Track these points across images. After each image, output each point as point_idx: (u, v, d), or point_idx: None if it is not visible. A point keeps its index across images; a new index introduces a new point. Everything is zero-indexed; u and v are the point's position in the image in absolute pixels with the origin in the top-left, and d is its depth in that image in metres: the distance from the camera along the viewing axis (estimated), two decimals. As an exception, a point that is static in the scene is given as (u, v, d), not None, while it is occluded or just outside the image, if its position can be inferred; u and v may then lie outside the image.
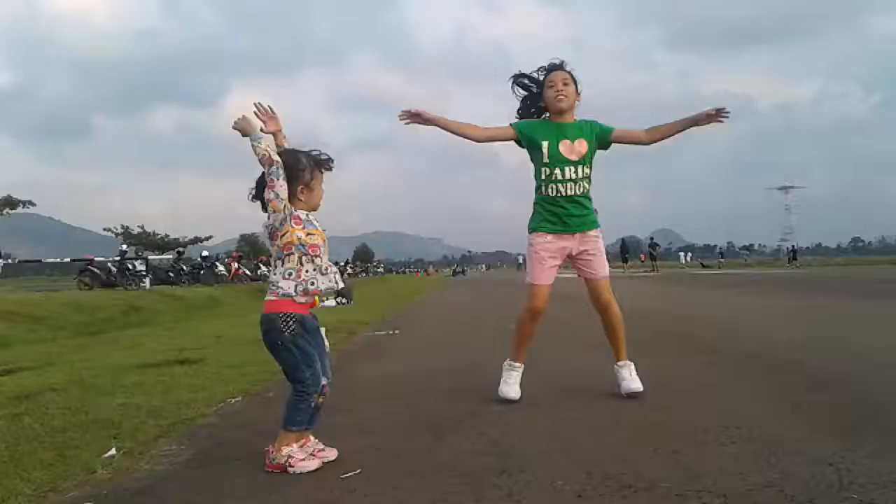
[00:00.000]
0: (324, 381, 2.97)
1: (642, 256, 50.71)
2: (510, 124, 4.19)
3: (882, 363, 5.00)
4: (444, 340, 7.96)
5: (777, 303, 12.72)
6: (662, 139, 4.12)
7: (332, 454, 3.00)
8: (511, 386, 4.16)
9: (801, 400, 3.83)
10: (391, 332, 8.90)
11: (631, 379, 4.17)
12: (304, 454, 2.92)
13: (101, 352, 7.91)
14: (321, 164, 3.03)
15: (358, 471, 2.84)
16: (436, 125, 4.02)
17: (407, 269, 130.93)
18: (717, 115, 3.90)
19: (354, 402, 4.23)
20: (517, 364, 4.24)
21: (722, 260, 63.03)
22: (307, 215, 2.98)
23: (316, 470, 2.87)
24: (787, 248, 68.74)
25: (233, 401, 4.40)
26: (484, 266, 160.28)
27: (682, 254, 74.69)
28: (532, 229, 4.18)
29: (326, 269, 2.95)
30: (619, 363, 4.26)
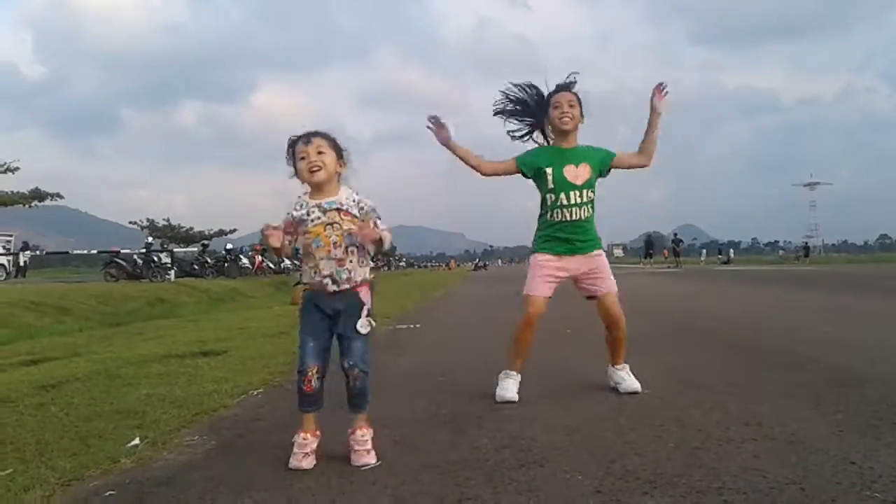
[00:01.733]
0: (346, 364, 2.96)
1: (665, 252, 50.36)
2: (514, 159, 4.19)
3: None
4: (464, 335, 7.97)
5: (798, 298, 12.58)
6: (653, 150, 4.20)
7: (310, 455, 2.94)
8: (507, 390, 4.06)
9: (823, 397, 3.79)
10: (412, 326, 8.92)
11: (631, 379, 4.18)
12: (297, 449, 2.91)
13: (126, 343, 8.01)
14: (291, 145, 3.02)
15: (378, 462, 2.86)
16: (450, 149, 4.08)
17: (429, 264, 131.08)
18: (660, 93, 4.15)
19: (375, 395, 4.21)
20: (512, 373, 4.17)
21: (728, 256, 62.39)
22: (306, 210, 2.96)
23: (307, 469, 2.85)
24: (801, 245, 68.25)
25: (255, 392, 4.45)
26: (501, 260, 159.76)
27: (703, 251, 74.17)
28: (536, 250, 4.18)
29: (318, 266, 2.94)
30: (618, 366, 4.26)
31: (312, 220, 2.94)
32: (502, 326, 8.68)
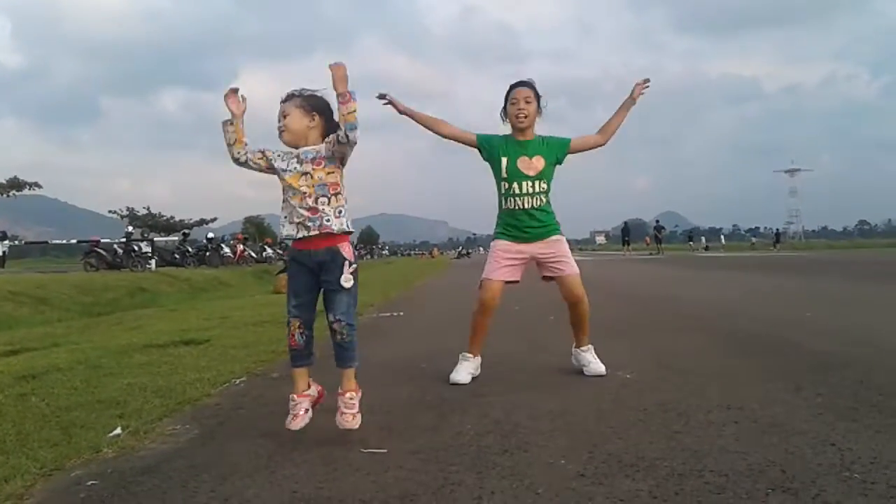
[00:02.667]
0: (331, 318, 3.05)
1: (647, 239, 50.67)
2: (476, 135, 4.29)
3: (883, 346, 5.00)
4: (447, 322, 7.96)
5: (778, 284, 12.70)
6: (615, 131, 4.34)
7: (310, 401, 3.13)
8: (460, 373, 4.23)
9: (804, 381, 3.83)
10: (396, 314, 8.92)
11: (596, 362, 4.27)
12: (290, 411, 3.05)
13: (106, 333, 7.96)
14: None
15: (384, 450, 2.85)
16: (410, 117, 4.20)
17: (412, 252, 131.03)
18: (642, 85, 4.31)
19: (361, 383, 4.22)
20: (469, 355, 4.34)
21: (706, 244, 63.00)
22: (285, 161, 3.09)
23: (297, 430, 3.01)
24: (773, 232, 69.13)
25: (238, 381, 4.43)
26: (484, 248, 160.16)
27: (703, 238, 74.84)
28: (495, 237, 4.34)
29: (292, 213, 3.06)
30: (583, 348, 4.35)
31: (289, 171, 3.07)
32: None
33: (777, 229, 69.00)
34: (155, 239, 27.17)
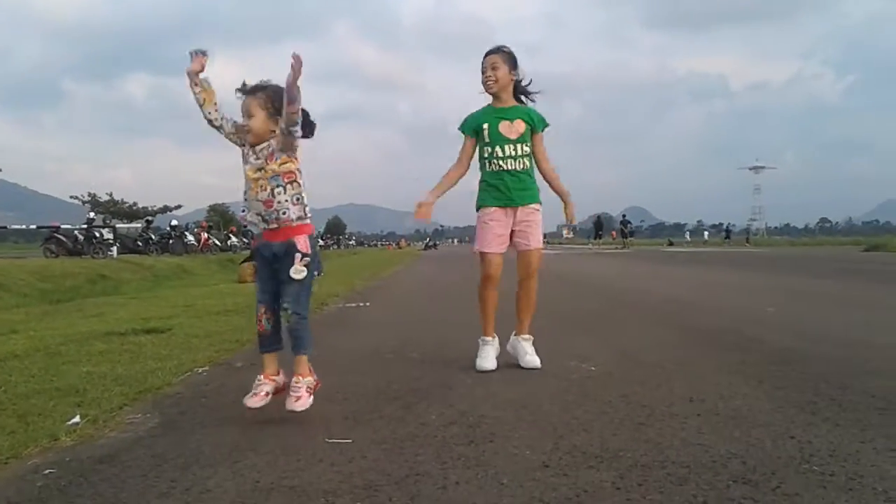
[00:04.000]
0: (281, 305, 3.14)
1: (613, 233, 51.10)
2: (460, 131, 4.36)
3: (842, 341, 5.09)
4: (413, 312, 7.96)
5: (741, 279, 12.89)
6: (547, 178, 4.42)
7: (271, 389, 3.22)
8: (485, 359, 4.26)
9: (764, 374, 3.89)
10: (362, 304, 8.88)
11: (533, 354, 4.29)
12: (253, 389, 3.18)
13: (66, 320, 7.79)
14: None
15: (349, 440, 2.83)
16: (438, 196, 4.31)
17: (379, 243, 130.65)
18: (569, 220, 4.56)
19: (324, 372, 4.20)
20: (488, 339, 4.35)
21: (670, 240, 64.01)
22: (251, 152, 3.16)
23: (253, 408, 3.12)
24: (724, 228, 70.38)
25: (200, 370, 4.37)
26: (456, 240, 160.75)
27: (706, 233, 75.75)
28: (479, 206, 4.34)
29: (250, 206, 3.17)
30: (524, 336, 4.37)
31: (249, 164, 3.15)
32: (453, 304, 8.72)
33: (727, 225, 70.18)
34: (117, 225, 26.72)
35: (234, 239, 34.43)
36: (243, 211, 3.24)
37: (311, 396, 3.17)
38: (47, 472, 2.52)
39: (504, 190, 4.22)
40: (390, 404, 3.42)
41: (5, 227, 36.58)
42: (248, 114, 3.12)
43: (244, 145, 3.19)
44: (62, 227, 23.27)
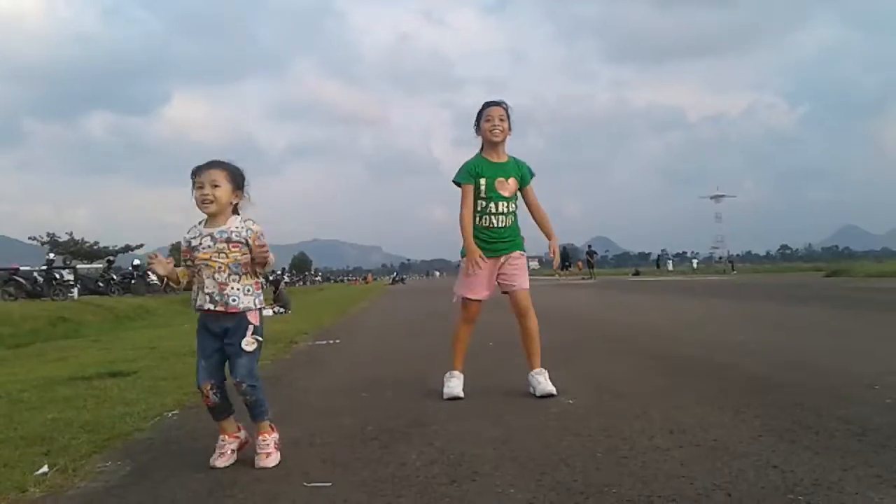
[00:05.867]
0: (235, 380, 3.07)
1: (580, 264, 51.45)
2: (460, 182, 4.46)
3: (815, 368, 5.14)
4: (385, 349, 7.89)
5: (708, 307, 13.02)
6: (539, 224, 4.63)
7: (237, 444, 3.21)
8: (453, 388, 4.43)
9: (742, 403, 3.90)
10: (332, 342, 8.79)
11: (546, 383, 4.39)
12: (217, 449, 3.15)
13: (27, 365, 7.59)
14: (193, 173, 3.16)
15: (329, 483, 2.77)
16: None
17: (345, 278, 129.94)
18: (551, 253, 4.64)
19: (299, 414, 4.15)
20: (457, 372, 4.54)
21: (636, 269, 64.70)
22: (199, 239, 3.13)
23: (221, 467, 3.07)
24: (667, 256, 71.39)
25: (170, 414, 4.27)
26: (423, 274, 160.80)
27: (670, 261, 76.53)
28: (465, 253, 4.46)
29: (203, 284, 3.11)
30: (535, 371, 4.47)
31: (203, 248, 3.11)
32: (424, 339, 8.66)
33: (659, 254, 71.71)
34: (78, 266, 26.26)
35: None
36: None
37: (279, 452, 3.14)
38: (15, 527, 2.42)
39: (493, 244, 4.45)
40: (368, 445, 3.36)
41: (-39, 270, 35.67)
42: (212, 183, 3.09)
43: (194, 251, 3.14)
44: (21, 268, 22.78)
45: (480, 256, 4.35)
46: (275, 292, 18.60)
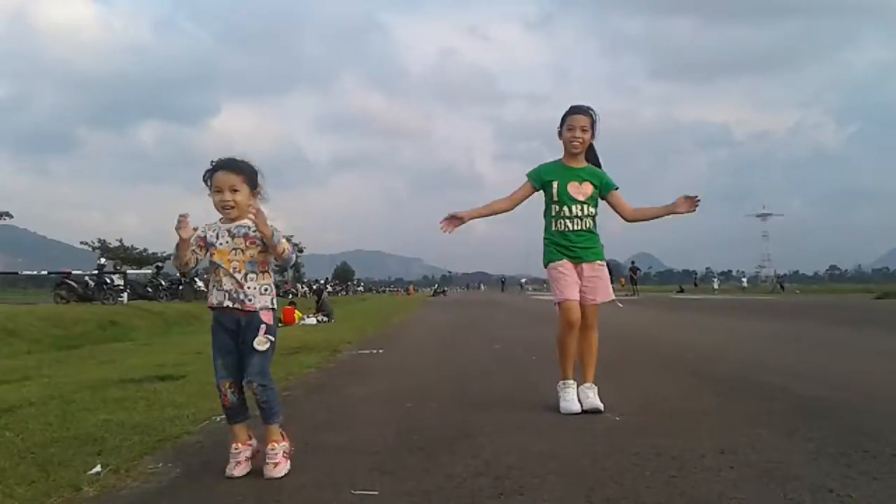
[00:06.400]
0: (246, 379, 3.08)
1: (623, 280, 50.97)
2: (527, 177, 4.48)
3: (867, 391, 5.00)
4: (428, 360, 7.89)
5: (754, 327, 12.77)
6: (644, 220, 4.56)
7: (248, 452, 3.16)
8: (570, 402, 4.30)
9: (794, 425, 3.81)
10: (375, 351, 8.82)
11: (595, 398, 4.31)
12: (231, 459, 3.09)
13: (79, 367, 7.76)
14: (211, 171, 3.17)
15: (376, 492, 2.77)
16: (472, 218, 4.44)
17: (387, 289, 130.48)
18: (693, 201, 4.31)
19: (346, 422, 4.17)
20: (570, 381, 4.41)
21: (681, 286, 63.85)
22: (216, 234, 3.16)
23: (239, 476, 3.03)
24: (778, 278, 70.16)
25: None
26: (465, 286, 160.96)
27: (715, 279, 75.30)
28: (548, 261, 4.46)
29: (220, 282, 3.13)
30: (586, 385, 4.39)
31: (221, 244, 3.15)
32: (466, 352, 8.66)
33: (695, 273, 70.26)
34: (127, 272, 26.78)
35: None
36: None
37: (289, 461, 3.12)
38: (70, 524, 2.47)
39: (571, 248, 4.37)
40: (414, 455, 3.36)
41: (16, 273, 36.74)
42: (231, 188, 3.10)
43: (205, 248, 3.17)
44: (73, 273, 23.33)
45: (453, 216, 4.33)
46: (318, 301, 18.77)
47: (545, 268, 4.49)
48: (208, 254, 3.16)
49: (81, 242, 48.43)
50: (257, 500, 2.71)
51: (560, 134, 4.43)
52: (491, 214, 4.51)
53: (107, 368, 7.25)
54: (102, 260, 28.33)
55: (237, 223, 3.15)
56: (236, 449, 3.10)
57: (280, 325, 15.09)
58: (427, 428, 3.95)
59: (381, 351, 8.88)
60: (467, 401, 4.75)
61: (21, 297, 32.23)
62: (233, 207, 3.12)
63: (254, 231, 3.12)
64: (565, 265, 4.37)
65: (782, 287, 59.56)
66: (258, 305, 3.12)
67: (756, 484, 2.76)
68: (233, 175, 3.12)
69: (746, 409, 4.35)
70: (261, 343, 3.09)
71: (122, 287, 22.87)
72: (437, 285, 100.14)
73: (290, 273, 64.03)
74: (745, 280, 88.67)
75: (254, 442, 3.21)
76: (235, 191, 3.11)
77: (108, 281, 22.93)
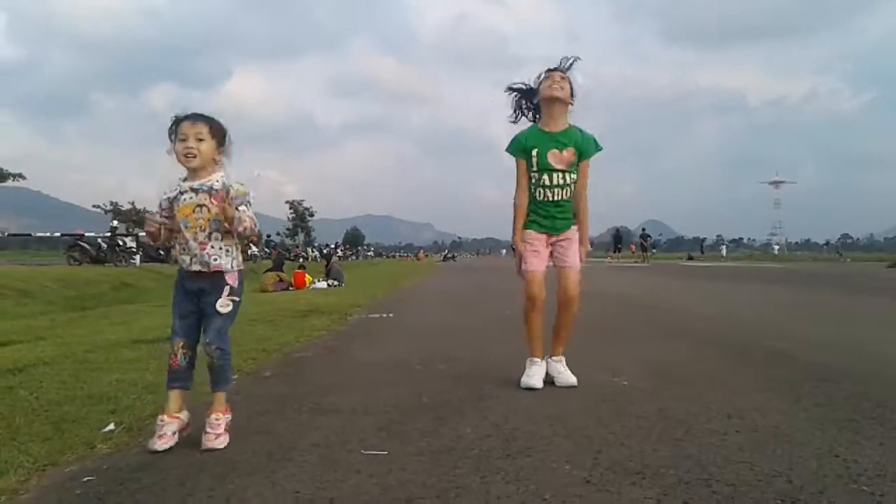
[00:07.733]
0: (205, 340, 3.03)
1: (632, 247, 50.82)
2: (512, 154, 4.24)
3: (879, 358, 5.01)
4: (438, 324, 7.93)
5: (766, 294, 12.76)
6: (578, 213, 4.27)
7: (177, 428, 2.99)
8: (532, 377, 4.09)
9: (802, 391, 3.83)
10: (385, 315, 8.87)
11: (567, 373, 4.17)
12: (156, 430, 2.93)
13: (92, 327, 7.85)
14: (175, 123, 3.05)
15: (386, 452, 2.81)
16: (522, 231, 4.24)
17: (397, 254, 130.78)
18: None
19: (356, 384, 4.21)
20: (536, 359, 4.19)
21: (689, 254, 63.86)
22: (178, 193, 3.04)
23: (161, 451, 2.85)
24: (722, 242, 69.82)
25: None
26: (474, 252, 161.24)
27: (724, 247, 75.05)
28: (524, 227, 4.23)
29: (186, 244, 3.03)
30: (555, 357, 4.23)
31: (183, 200, 3.03)
32: (475, 315, 8.70)
33: (703, 240, 70.12)
34: (140, 234, 26.93)
35: (254, 248, 34.56)
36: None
37: (228, 436, 3.00)
38: (86, 479, 2.52)
39: (550, 220, 4.17)
40: (423, 416, 3.39)
41: (29, 235, 36.98)
42: (196, 137, 2.98)
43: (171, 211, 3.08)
44: (86, 235, 23.48)
45: (526, 248, 4.17)
46: (327, 266, 18.83)
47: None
48: (175, 210, 3.05)
49: (94, 205, 48.75)
50: (269, 458, 2.75)
51: (538, 92, 4.19)
52: (525, 213, 4.25)
53: (120, 329, 7.32)
54: (115, 222, 28.48)
55: (200, 181, 3.02)
56: (162, 421, 2.94)
57: (291, 288, 15.19)
58: (436, 390, 3.98)
59: (391, 315, 8.92)
60: (476, 363, 4.79)
61: (34, 259, 32.50)
62: (195, 157, 2.98)
63: (220, 189, 2.99)
64: (535, 236, 4.19)
65: (840, 254, 59.91)
66: (224, 266, 3.04)
67: (762, 448, 2.78)
68: (200, 124, 3.00)
69: (753, 375, 4.37)
70: (223, 305, 3.03)
71: (134, 249, 23.05)
72: (447, 251, 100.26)
73: (300, 237, 64.16)
74: (776, 247, 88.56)
75: (184, 415, 3.04)
76: (201, 140, 2.98)
77: (121, 243, 23.11)
